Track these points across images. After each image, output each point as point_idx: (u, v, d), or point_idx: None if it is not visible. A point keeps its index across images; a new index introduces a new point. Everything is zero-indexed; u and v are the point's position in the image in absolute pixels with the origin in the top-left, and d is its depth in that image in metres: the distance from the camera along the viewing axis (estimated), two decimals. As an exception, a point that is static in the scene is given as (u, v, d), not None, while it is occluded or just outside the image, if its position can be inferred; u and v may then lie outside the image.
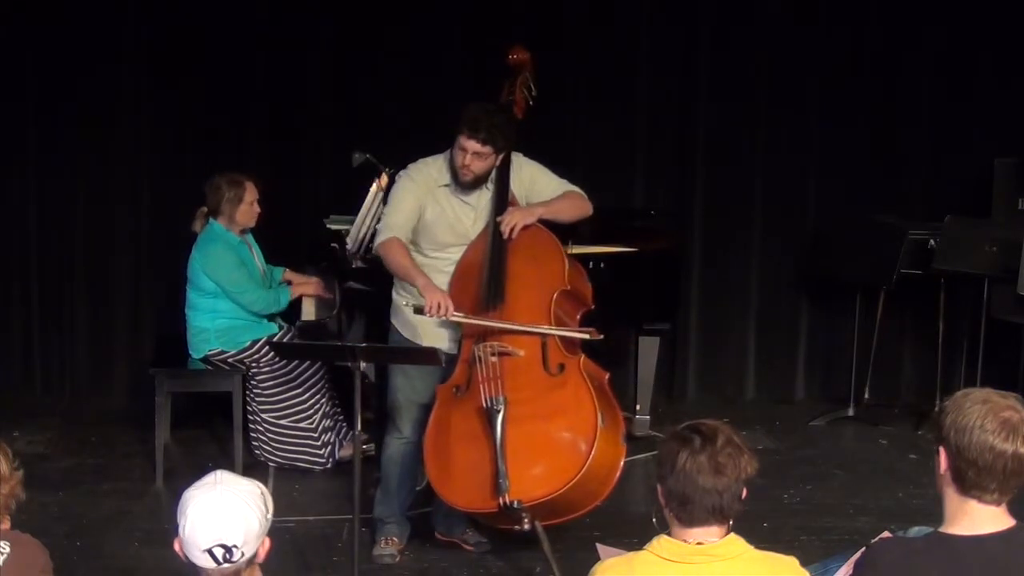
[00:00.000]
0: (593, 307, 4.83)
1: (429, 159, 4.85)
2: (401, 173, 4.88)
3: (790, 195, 7.13)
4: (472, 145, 4.63)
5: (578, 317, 4.78)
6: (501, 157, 4.75)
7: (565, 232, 5.68)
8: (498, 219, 4.73)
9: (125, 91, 6.89)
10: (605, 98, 7.03)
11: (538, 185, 4.90)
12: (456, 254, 4.80)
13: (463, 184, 4.74)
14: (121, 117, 6.91)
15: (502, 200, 4.79)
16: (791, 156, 7.09)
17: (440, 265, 4.80)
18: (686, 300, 6.98)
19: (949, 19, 6.93)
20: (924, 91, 7.04)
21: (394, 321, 4.90)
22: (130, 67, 6.86)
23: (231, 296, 5.68)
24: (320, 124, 6.95)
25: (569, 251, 5.55)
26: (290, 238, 6.57)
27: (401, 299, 4.87)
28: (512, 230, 4.69)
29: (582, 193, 4.96)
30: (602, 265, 5.90)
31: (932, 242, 6.36)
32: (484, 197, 4.81)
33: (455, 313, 4.60)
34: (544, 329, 4.62)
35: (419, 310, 4.64)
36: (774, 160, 7.09)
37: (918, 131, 7.07)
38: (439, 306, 4.54)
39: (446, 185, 4.77)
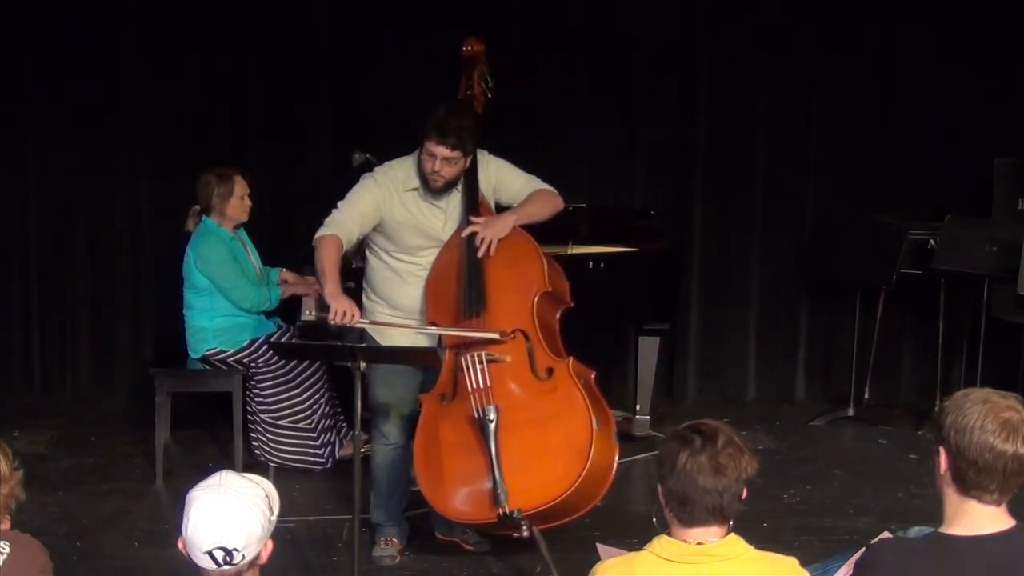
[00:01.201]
0: (572, 304, 4.74)
1: (396, 161, 4.75)
2: (366, 175, 4.80)
3: (790, 195, 7.12)
4: (442, 151, 4.53)
5: (558, 316, 4.69)
6: (470, 159, 4.66)
7: (564, 232, 5.68)
8: (471, 219, 4.63)
9: (125, 91, 6.89)
10: (605, 98, 7.03)
11: (505, 182, 4.81)
12: (428, 256, 4.72)
13: (434, 190, 4.65)
14: (121, 117, 6.91)
15: (472, 201, 4.70)
16: (791, 156, 7.09)
17: (413, 270, 4.74)
18: (686, 300, 6.98)
19: (949, 19, 6.92)
20: (924, 91, 7.04)
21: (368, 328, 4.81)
22: (130, 67, 6.87)
23: (222, 291, 5.66)
24: (320, 124, 6.95)
25: (569, 251, 5.52)
26: (290, 238, 6.56)
27: (374, 304, 4.83)
28: (489, 246, 4.59)
29: (551, 189, 4.85)
30: (602, 265, 5.89)
31: (932, 242, 6.35)
32: (454, 199, 4.71)
33: (360, 320, 4.57)
34: (457, 331, 4.55)
35: (322, 318, 4.60)
36: (774, 160, 7.08)
37: (918, 131, 7.07)
38: (344, 314, 4.48)
39: (414, 189, 4.68)
